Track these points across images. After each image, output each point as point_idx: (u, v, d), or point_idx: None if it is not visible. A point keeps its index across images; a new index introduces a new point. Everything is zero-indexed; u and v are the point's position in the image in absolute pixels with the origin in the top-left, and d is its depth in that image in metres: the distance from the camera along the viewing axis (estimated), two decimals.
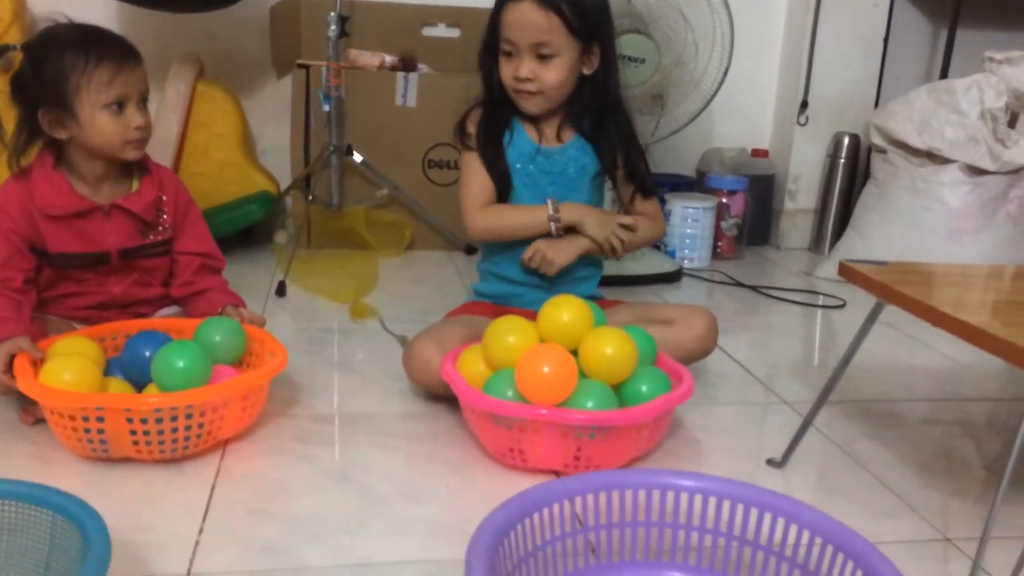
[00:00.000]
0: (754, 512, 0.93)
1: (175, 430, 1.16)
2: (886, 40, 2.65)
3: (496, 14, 1.48)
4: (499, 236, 1.55)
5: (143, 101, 1.36)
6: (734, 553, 0.95)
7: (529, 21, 1.44)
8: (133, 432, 1.14)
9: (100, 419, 1.13)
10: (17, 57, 1.33)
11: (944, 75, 2.51)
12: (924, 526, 1.13)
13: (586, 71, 1.51)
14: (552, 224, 1.50)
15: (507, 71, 1.49)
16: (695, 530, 0.96)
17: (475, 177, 1.54)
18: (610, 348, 1.24)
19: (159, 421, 1.14)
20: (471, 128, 1.55)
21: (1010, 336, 0.91)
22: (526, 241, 1.53)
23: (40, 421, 1.27)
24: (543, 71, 1.47)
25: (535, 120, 1.55)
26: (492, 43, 1.50)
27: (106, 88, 1.30)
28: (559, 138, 1.55)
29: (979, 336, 0.95)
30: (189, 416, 1.16)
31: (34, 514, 0.89)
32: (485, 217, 1.53)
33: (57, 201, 1.34)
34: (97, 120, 1.31)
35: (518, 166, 1.54)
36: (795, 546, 0.91)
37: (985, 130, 2.17)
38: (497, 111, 1.55)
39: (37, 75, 1.31)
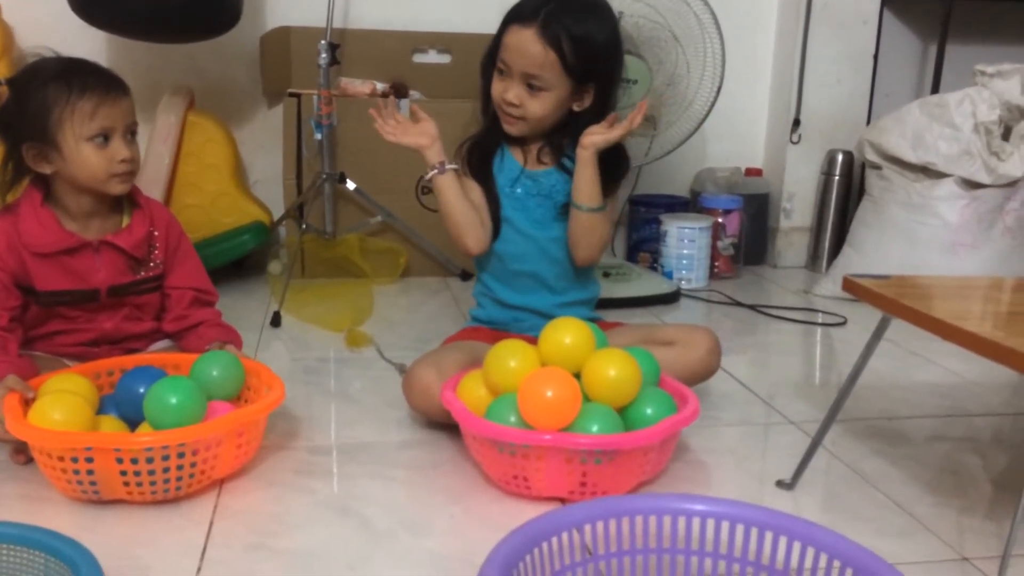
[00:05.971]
0: (768, 535, 0.91)
1: (167, 470, 1.12)
2: (876, 56, 2.66)
3: (501, 30, 1.47)
4: (463, 226, 1.49)
5: (130, 133, 1.34)
6: None
7: (527, 50, 1.42)
8: (123, 473, 1.11)
9: (89, 460, 1.10)
10: (3, 92, 1.31)
11: (935, 90, 2.51)
12: (940, 546, 1.11)
13: (576, 108, 1.49)
14: (434, 172, 1.46)
15: (497, 88, 1.48)
16: (708, 556, 0.94)
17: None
18: (614, 370, 1.22)
19: (150, 461, 1.11)
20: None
21: (1019, 346, 0.90)
22: (519, 262, 1.52)
23: (32, 460, 1.23)
24: (529, 101, 1.45)
25: (521, 142, 1.54)
26: (491, 57, 1.49)
27: (89, 120, 1.28)
28: (540, 160, 1.54)
29: (987, 347, 0.94)
30: (182, 455, 1.13)
31: (26, 556, 0.87)
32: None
33: (45, 238, 1.32)
34: (81, 153, 1.29)
35: (507, 189, 1.53)
36: (812, 570, 0.88)
37: (979, 143, 2.16)
38: (487, 134, 1.55)
39: (20, 109, 1.29)
